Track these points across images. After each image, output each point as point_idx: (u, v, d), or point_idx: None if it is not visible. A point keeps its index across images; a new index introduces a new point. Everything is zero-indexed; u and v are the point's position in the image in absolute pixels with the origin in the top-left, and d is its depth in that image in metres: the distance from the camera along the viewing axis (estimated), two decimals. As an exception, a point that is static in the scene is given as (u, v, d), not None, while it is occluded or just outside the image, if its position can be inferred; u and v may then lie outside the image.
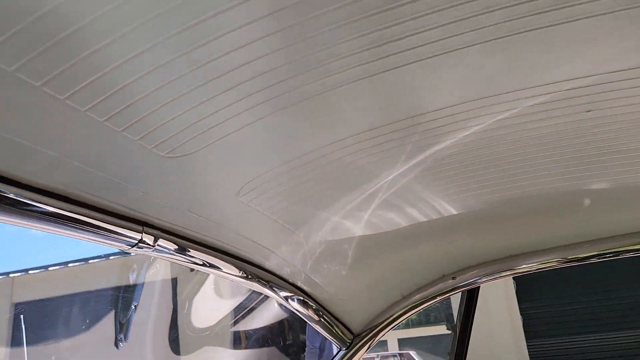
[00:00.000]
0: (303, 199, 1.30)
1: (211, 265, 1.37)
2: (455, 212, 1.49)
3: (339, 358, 1.95)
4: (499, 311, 9.56)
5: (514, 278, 9.54)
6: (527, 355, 9.46)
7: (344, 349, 1.95)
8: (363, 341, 1.92)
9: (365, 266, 1.72)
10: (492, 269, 1.77)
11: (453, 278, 1.80)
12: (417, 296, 1.85)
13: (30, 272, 14.39)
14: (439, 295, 1.82)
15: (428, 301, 1.84)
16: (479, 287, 1.95)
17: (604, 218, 1.63)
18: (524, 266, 1.75)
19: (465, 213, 1.50)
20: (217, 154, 1.03)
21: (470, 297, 1.96)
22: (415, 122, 1.06)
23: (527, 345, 9.52)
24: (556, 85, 0.99)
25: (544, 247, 1.71)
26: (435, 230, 1.58)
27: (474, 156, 1.22)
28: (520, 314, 9.67)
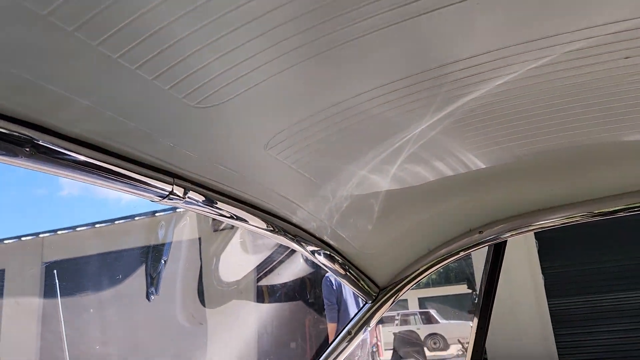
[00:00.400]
0: (330, 152, 1.30)
1: (239, 218, 1.38)
2: (483, 166, 1.47)
3: (365, 311, 1.98)
4: (520, 270, 9.59)
5: (536, 237, 9.51)
6: (549, 314, 9.51)
7: (370, 302, 1.98)
8: (389, 294, 1.94)
9: (391, 220, 1.72)
10: (519, 223, 1.75)
11: (480, 232, 1.79)
12: (443, 250, 1.85)
13: (58, 232, 14.85)
14: (465, 249, 1.82)
15: (454, 255, 1.84)
16: (505, 242, 1.94)
17: (635, 171, 1.60)
18: (551, 220, 1.73)
19: (494, 166, 1.48)
20: (245, 105, 1.02)
21: (497, 252, 1.96)
22: (445, 71, 1.03)
23: (549, 304, 9.57)
24: (593, 30, 0.95)
25: (572, 200, 1.69)
26: (462, 184, 1.57)
27: (504, 107, 1.19)
28: (542, 273, 9.68)
